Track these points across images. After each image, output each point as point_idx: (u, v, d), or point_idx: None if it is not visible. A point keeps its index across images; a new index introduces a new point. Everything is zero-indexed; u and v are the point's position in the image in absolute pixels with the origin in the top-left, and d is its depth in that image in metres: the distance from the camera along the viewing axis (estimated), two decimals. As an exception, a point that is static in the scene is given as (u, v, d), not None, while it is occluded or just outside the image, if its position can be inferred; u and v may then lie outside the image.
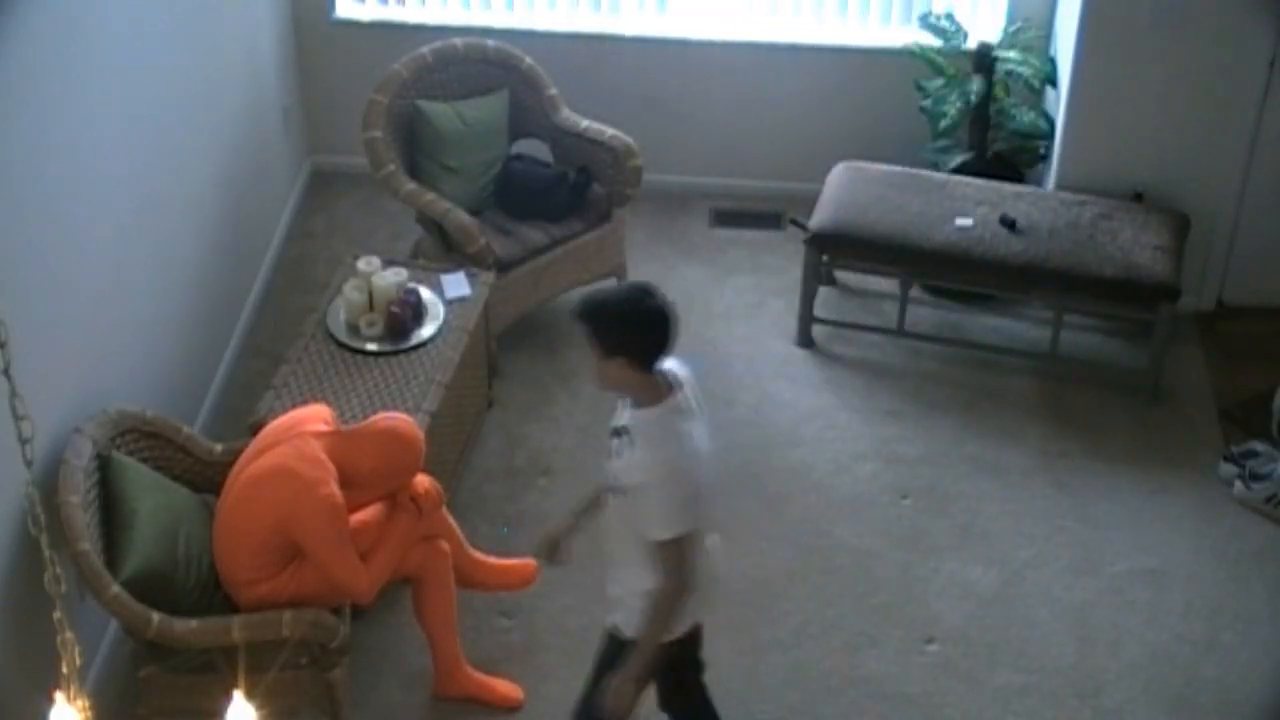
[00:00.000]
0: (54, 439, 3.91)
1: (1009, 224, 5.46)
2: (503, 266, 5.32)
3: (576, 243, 5.57)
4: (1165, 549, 4.95)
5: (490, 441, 5.28)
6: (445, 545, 4.29)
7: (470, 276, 5.14)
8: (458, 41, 5.70)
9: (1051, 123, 5.90)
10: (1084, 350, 5.70)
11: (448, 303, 5.02)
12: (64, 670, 2.34)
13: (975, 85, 5.80)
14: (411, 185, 5.39)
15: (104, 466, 4.00)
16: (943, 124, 5.82)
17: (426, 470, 4.25)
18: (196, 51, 5.15)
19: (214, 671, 3.91)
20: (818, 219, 5.59)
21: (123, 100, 4.50)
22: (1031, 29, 5.94)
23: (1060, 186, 5.76)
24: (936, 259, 5.44)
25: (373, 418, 4.20)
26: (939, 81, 5.90)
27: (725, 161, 6.44)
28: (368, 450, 4.04)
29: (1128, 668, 4.56)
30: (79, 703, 2.33)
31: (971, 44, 5.94)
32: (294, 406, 4.58)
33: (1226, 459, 5.18)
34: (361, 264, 4.98)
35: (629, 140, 5.59)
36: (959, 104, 5.80)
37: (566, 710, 4.36)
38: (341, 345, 4.85)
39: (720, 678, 4.38)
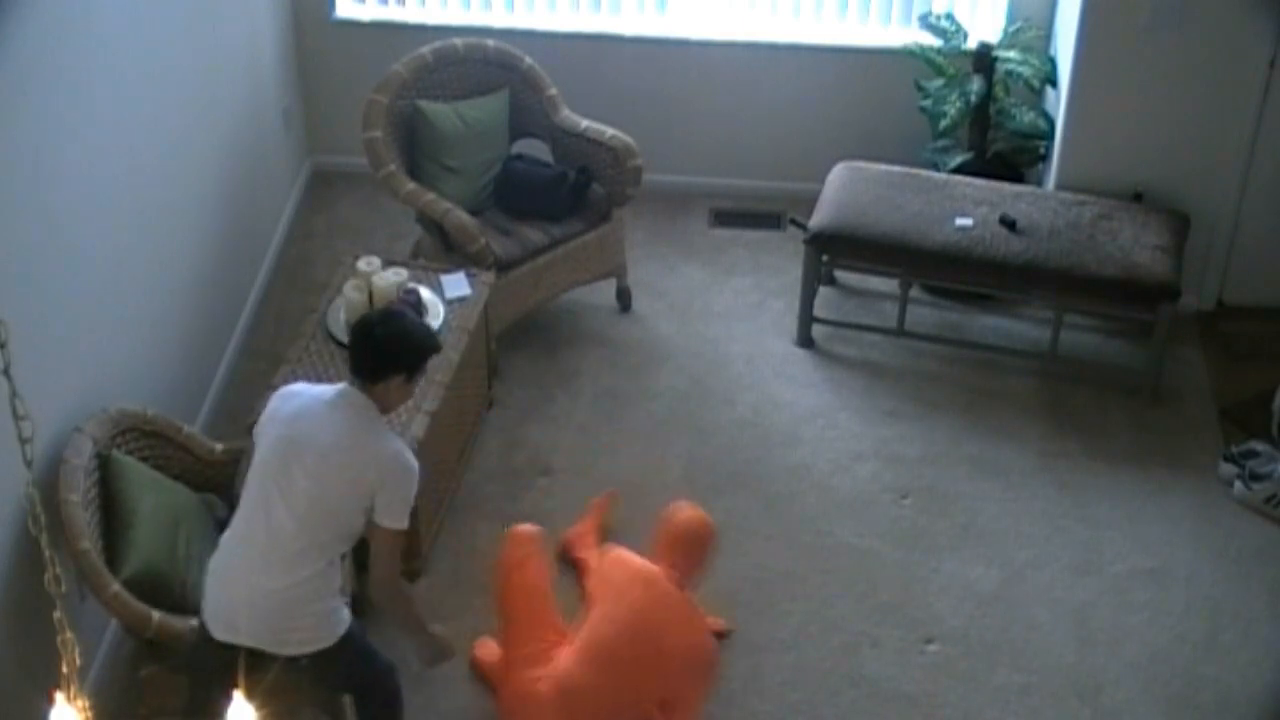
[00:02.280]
0: (54, 439, 3.91)
1: (1009, 224, 5.46)
2: (503, 266, 5.32)
3: (576, 243, 5.57)
4: (1165, 549, 4.95)
5: (490, 441, 5.28)
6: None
7: (470, 276, 5.14)
8: (458, 41, 5.70)
9: (1051, 123, 5.90)
10: (1084, 350, 5.70)
11: (448, 303, 5.02)
12: (64, 670, 2.34)
13: (975, 85, 5.80)
14: (411, 185, 5.39)
15: (104, 466, 4.00)
16: (943, 124, 5.82)
17: (427, 470, 4.27)
18: (197, 52, 5.15)
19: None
20: (818, 219, 5.59)
21: (123, 101, 4.50)
22: (1031, 29, 5.94)
23: (1060, 186, 5.76)
24: (936, 259, 5.44)
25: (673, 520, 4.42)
26: (939, 81, 5.90)
27: (725, 161, 6.44)
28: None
29: (1128, 668, 4.56)
30: (79, 703, 2.33)
31: (971, 44, 5.94)
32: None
33: (1226, 459, 5.18)
34: (361, 264, 4.98)
35: (629, 140, 5.59)
36: (959, 104, 5.80)
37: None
38: (341, 345, 4.84)
39: (720, 678, 4.39)
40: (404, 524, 3.70)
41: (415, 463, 3.72)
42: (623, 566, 4.32)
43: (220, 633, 3.64)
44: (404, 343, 3.70)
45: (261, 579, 3.61)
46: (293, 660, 3.67)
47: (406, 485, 3.69)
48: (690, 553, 4.39)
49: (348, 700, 4.11)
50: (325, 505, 3.61)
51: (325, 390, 3.77)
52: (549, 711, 4.04)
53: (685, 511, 4.49)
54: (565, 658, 4.12)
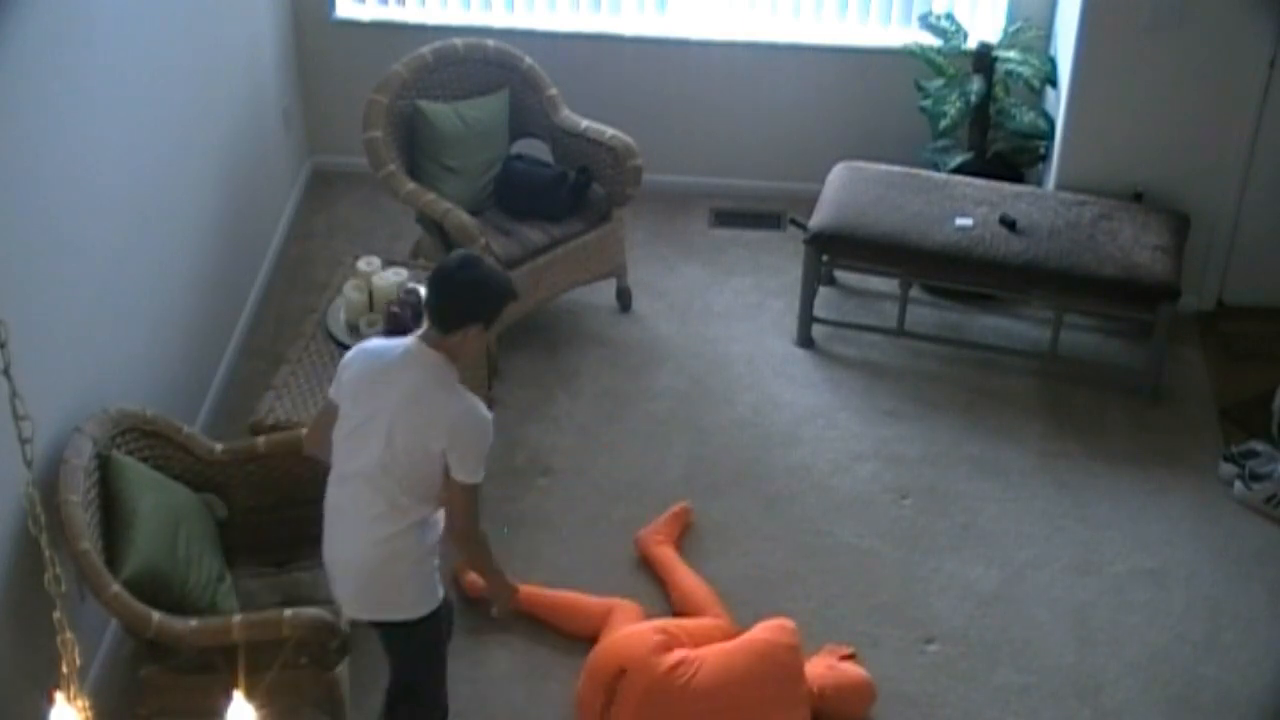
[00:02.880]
0: (54, 439, 3.91)
1: (1009, 224, 5.46)
2: (503, 266, 5.32)
3: (576, 243, 5.57)
4: (1165, 549, 4.95)
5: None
6: None
7: (470, 276, 5.13)
8: (458, 41, 5.70)
9: (1051, 123, 5.90)
10: (1084, 350, 5.70)
11: (448, 303, 5.01)
12: (64, 670, 2.34)
13: (975, 85, 5.80)
14: (411, 185, 5.39)
15: (104, 466, 4.00)
16: (943, 124, 5.82)
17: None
18: (197, 52, 5.15)
19: (214, 671, 3.90)
20: (818, 219, 5.59)
21: (123, 100, 4.50)
22: (1031, 29, 5.94)
23: (1060, 186, 5.76)
24: (936, 259, 5.44)
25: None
26: (939, 81, 5.90)
27: (725, 161, 6.45)
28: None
29: (1128, 668, 4.56)
30: (79, 703, 2.33)
31: (971, 44, 5.94)
32: (294, 407, 4.60)
33: (1226, 459, 5.18)
34: (361, 264, 4.98)
35: (629, 140, 5.59)
36: (959, 104, 5.80)
37: (568, 711, 4.37)
38: (341, 345, 4.84)
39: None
40: (477, 478, 3.65)
41: (487, 416, 3.65)
42: (780, 633, 4.34)
43: (345, 608, 3.81)
44: (483, 289, 3.60)
45: (351, 546, 3.70)
46: (377, 625, 3.80)
47: (479, 440, 3.63)
48: (845, 698, 4.38)
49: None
50: (397, 465, 3.60)
51: (395, 347, 3.68)
52: (659, 687, 4.15)
53: (857, 673, 4.45)
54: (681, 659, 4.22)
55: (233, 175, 5.53)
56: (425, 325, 3.67)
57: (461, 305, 3.58)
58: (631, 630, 4.34)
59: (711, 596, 4.62)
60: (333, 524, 3.77)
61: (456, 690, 4.43)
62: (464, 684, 4.44)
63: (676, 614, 4.59)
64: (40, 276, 3.93)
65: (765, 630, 4.35)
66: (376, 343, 3.83)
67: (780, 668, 4.24)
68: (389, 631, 3.83)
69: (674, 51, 6.23)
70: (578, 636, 4.54)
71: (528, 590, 4.51)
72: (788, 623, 4.37)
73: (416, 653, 3.91)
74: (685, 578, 4.70)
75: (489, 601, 4.17)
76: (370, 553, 3.68)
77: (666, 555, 4.79)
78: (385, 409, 3.59)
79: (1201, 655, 4.60)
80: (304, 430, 4.35)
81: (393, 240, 6.06)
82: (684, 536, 4.91)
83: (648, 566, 4.80)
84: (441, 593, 3.82)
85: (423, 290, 4.93)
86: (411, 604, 3.77)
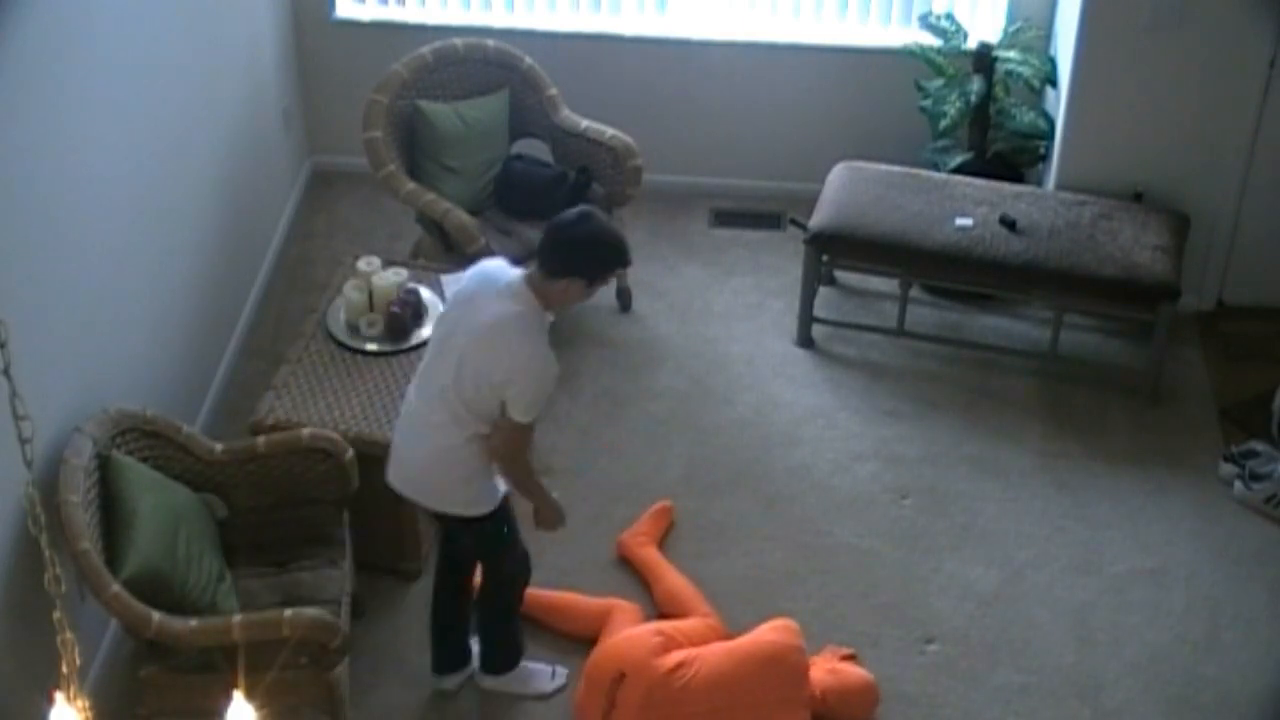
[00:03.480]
0: (54, 439, 3.91)
1: (1009, 224, 5.46)
2: (503, 266, 5.32)
3: (576, 243, 5.56)
4: (1165, 549, 4.95)
5: (490, 441, 5.27)
6: None
7: (470, 276, 5.13)
8: (458, 41, 5.70)
9: (1051, 123, 5.90)
10: (1084, 350, 5.70)
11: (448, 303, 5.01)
12: (64, 670, 2.34)
13: (975, 85, 5.80)
14: (411, 185, 5.39)
15: (104, 466, 4.00)
16: (943, 124, 5.82)
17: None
18: (197, 52, 5.15)
19: (214, 671, 3.90)
20: (818, 219, 5.59)
21: (123, 100, 4.50)
22: (1031, 29, 5.94)
23: (1060, 186, 5.76)
24: (936, 259, 5.44)
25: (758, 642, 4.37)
26: (939, 81, 5.90)
27: (725, 161, 6.44)
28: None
29: (1128, 668, 4.56)
30: (79, 703, 2.33)
31: (971, 44, 5.94)
32: (294, 407, 4.60)
33: (1226, 459, 5.18)
34: (361, 264, 4.98)
35: (629, 140, 5.59)
36: (959, 104, 5.80)
37: (568, 711, 4.37)
38: (341, 345, 4.85)
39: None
40: (527, 419, 3.83)
41: (553, 368, 3.81)
42: (785, 634, 4.34)
43: (399, 485, 4.06)
44: (595, 246, 3.78)
45: (414, 442, 3.98)
46: (447, 517, 4.09)
47: (537, 387, 3.79)
48: (847, 701, 4.37)
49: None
50: (463, 384, 3.80)
51: (502, 276, 3.87)
52: (659, 689, 4.17)
53: (860, 675, 4.45)
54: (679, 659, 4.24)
55: (233, 175, 5.53)
56: (535, 265, 3.84)
57: (570, 255, 3.76)
58: (629, 634, 4.33)
59: (698, 595, 4.61)
60: (404, 415, 4.05)
61: (456, 693, 4.43)
62: (465, 684, 4.44)
63: (662, 615, 4.59)
64: (40, 276, 3.93)
65: (769, 631, 4.35)
66: (493, 265, 4.00)
67: (784, 668, 4.24)
68: (450, 519, 4.10)
69: (674, 51, 6.23)
70: (576, 637, 4.54)
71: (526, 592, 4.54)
72: (791, 623, 4.37)
73: (479, 543, 4.16)
74: (670, 577, 4.69)
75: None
76: (428, 456, 3.95)
77: (650, 556, 4.79)
78: (465, 332, 3.80)
79: (1201, 655, 4.60)
80: (305, 430, 4.36)
81: (393, 240, 6.06)
82: (667, 535, 4.90)
83: (632, 568, 4.80)
84: (501, 494, 4.04)
85: (423, 292, 4.98)
86: (465, 504, 4.02)
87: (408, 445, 4.02)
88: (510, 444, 3.90)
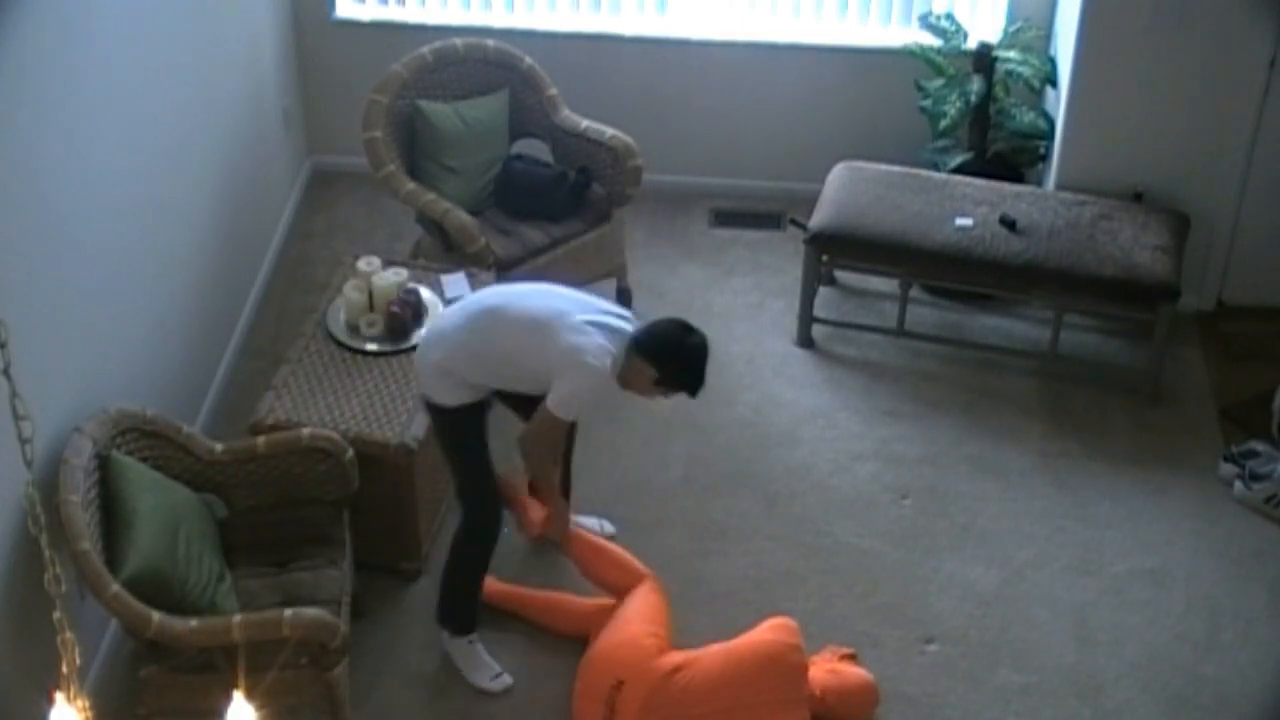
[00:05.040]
0: (54, 439, 3.91)
1: (1009, 224, 5.46)
2: (503, 266, 5.32)
3: (576, 243, 5.57)
4: (1165, 549, 4.95)
5: (490, 442, 5.26)
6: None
7: (470, 276, 5.14)
8: (458, 41, 5.70)
9: (1051, 123, 5.90)
10: (1084, 350, 5.70)
11: (448, 303, 5.01)
12: (64, 670, 2.34)
13: (975, 85, 5.80)
14: (411, 185, 5.39)
15: (104, 466, 4.00)
16: (943, 124, 5.82)
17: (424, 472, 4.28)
18: (197, 51, 5.15)
19: (214, 671, 3.90)
20: (818, 219, 5.59)
21: (123, 100, 4.50)
22: (1031, 29, 5.94)
23: (1060, 186, 5.76)
24: (936, 259, 5.44)
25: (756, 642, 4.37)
26: (939, 81, 5.90)
27: (725, 161, 6.44)
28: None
29: (1128, 668, 4.56)
30: (79, 703, 2.33)
31: (971, 44, 5.94)
32: (294, 407, 4.60)
33: (1226, 459, 5.18)
34: (361, 264, 4.98)
35: (629, 140, 5.59)
36: (959, 104, 5.80)
37: (566, 712, 4.37)
38: (341, 345, 4.85)
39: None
40: (565, 415, 4.11)
41: (596, 370, 4.00)
42: (783, 633, 4.33)
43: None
44: (680, 353, 4.08)
45: (431, 347, 4.24)
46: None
47: (578, 385, 4.03)
48: (847, 701, 4.37)
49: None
50: (496, 345, 4.14)
51: (602, 303, 4.23)
52: (660, 689, 4.17)
53: (860, 675, 4.45)
54: (676, 661, 4.24)
55: (233, 175, 5.53)
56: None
57: (655, 344, 4.06)
58: (624, 639, 4.30)
59: (624, 555, 4.59)
60: (438, 319, 4.40)
61: (456, 691, 4.44)
62: (465, 684, 4.45)
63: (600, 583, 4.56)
64: (40, 276, 3.93)
65: (767, 630, 4.34)
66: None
67: (783, 668, 4.23)
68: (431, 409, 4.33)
69: (674, 51, 6.23)
70: (569, 635, 4.53)
71: (516, 592, 4.60)
72: (789, 622, 4.37)
73: (443, 435, 4.36)
74: (592, 544, 4.62)
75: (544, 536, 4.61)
76: (435, 360, 4.21)
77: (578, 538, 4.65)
78: (541, 304, 4.12)
79: (1201, 655, 4.60)
80: (305, 430, 4.36)
81: (393, 240, 6.06)
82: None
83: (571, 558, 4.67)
84: (466, 401, 4.23)
85: (423, 292, 4.98)
86: (440, 395, 4.24)
87: (427, 345, 4.29)
88: (541, 433, 4.14)
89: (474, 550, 4.41)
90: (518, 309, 4.14)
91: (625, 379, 4.11)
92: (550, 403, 4.05)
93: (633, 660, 4.20)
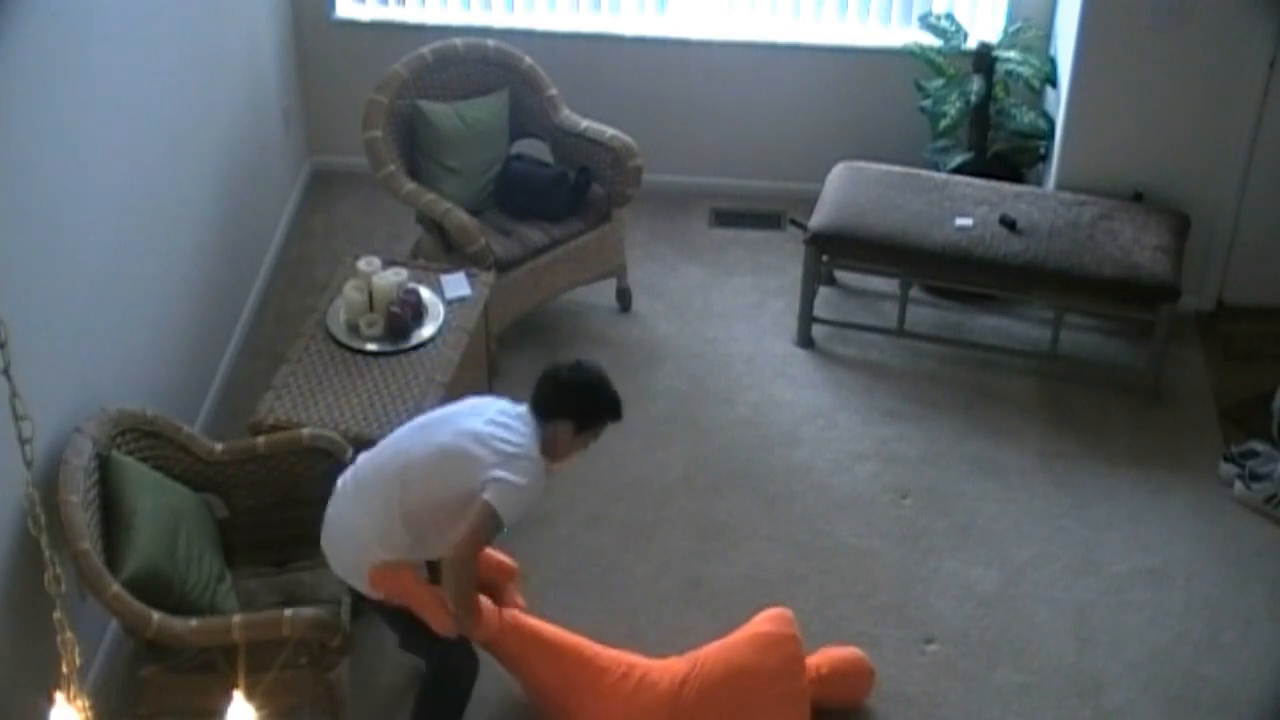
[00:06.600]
0: (54, 439, 3.91)
1: (1009, 224, 5.46)
2: (503, 266, 5.32)
3: (576, 243, 5.57)
4: (1165, 549, 4.95)
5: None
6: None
7: (470, 276, 5.14)
8: (458, 41, 5.70)
9: (1051, 123, 5.90)
10: (1084, 350, 5.70)
11: (448, 303, 5.01)
12: (64, 670, 2.34)
13: (975, 85, 5.80)
14: (411, 185, 5.39)
15: (104, 466, 4.00)
16: (943, 124, 5.82)
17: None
18: (196, 52, 5.16)
19: (214, 671, 3.91)
20: (818, 219, 5.59)
21: (123, 100, 4.50)
22: (1031, 29, 5.94)
23: (1060, 186, 5.76)
24: (936, 259, 5.44)
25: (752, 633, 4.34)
26: (939, 81, 5.90)
27: (725, 161, 6.45)
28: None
29: (1128, 668, 4.56)
30: (79, 703, 2.33)
31: (971, 44, 5.94)
32: (294, 407, 4.60)
33: (1226, 459, 5.18)
34: (361, 264, 4.98)
35: (629, 140, 5.59)
36: (959, 104, 5.80)
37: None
38: (341, 345, 4.85)
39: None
40: (504, 510, 3.69)
41: (535, 460, 3.76)
42: (779, 623, 4.33)
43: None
44: (581, 391, 3.84)
45: (347, 546, 3.87)
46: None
47: (519, 478, 3.71)
48: (844, 681, 4.38)
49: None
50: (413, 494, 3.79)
51: (494, 405, 3.91)
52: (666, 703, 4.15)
53: (853, 651, 4.46)
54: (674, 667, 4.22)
55: (233, 175, 5.53)
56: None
57: (554, 398, 3.82)
58: (638, 708, 4.19)
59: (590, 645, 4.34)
60: (333, 518, 3.92)
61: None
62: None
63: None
64: (40, 276, 3.93)
65: (764, 621, 4.33)
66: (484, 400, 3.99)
67: (782, 659, 4.22)
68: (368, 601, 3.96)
69: (674, 51, 6.23)
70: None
71: (529, 624, 4.28)
72: (786, 612, 4.35)
73: (387, 615, 3.99)
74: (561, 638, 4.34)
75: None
76: (356, 559, 3.87)
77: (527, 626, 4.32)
78: (452, 428, 3.81)
79: (1201, 655, 4.60)
80: (305, 430, 4.36)
81: (393, 240, 6.06)
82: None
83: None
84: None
85: (423, 292, 4.98)
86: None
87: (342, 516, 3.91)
88: (473, 537, 3.69)
89: (451, 700, 4.09)
90: (420, 448, 3.80)
91: (552, 450, 3.83)
92: (490, 497, 3.66)
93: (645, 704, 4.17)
